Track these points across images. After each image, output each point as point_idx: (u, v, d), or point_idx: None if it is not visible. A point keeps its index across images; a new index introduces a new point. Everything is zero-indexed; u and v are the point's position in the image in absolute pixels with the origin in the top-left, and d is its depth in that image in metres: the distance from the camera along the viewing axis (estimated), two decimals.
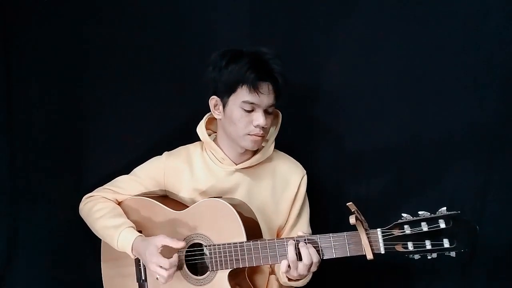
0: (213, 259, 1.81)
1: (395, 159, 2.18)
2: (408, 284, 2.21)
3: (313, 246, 1.69)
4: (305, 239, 1.71)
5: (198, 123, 2.00)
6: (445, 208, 1.54)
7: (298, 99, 2.20)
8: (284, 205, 1.99)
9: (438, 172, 2.14)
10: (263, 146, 1.97)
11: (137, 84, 2.35)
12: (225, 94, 1.85)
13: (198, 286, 1.85)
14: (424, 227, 1.54)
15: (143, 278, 1.94)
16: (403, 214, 1.58)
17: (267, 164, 2.00)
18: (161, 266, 1.75)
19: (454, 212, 1.53)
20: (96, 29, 2.34)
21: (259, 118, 1.83)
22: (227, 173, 1.97)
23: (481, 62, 2.08)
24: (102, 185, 2.07)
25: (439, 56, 2.11)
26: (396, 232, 1.58)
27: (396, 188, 2.19)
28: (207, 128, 2.00)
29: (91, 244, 2.13)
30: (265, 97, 1.83)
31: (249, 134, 1.86)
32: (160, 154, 2.05)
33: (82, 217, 2.04)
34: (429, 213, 1.56)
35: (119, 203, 2.04)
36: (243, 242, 1.77)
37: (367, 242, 1.60)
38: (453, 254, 1.54)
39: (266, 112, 1.85)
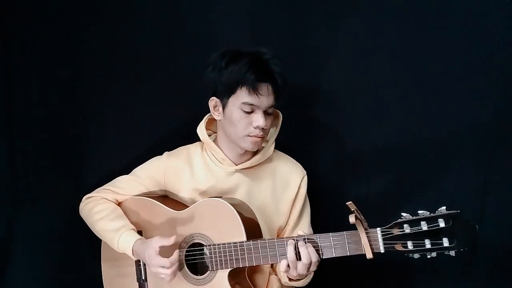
0: (213, 259, 1.81)
1: (395, 159, 2.18)
2: (408, 284, 2.21)
3: (313, 246, 1.69)
4: (304, 239, 1.71)
5: (198, 123, 2.00)
6: (444, 207, 1.55)
7: (298, 99, 2.20)
8: (284, 205, 1.99)
9: (438, 172, 2.14)
10: (263, 147, 1.97)
11: (137, 84, 2.35)
12: (224, 95, 1.85)
13: (198, 286, 1.85)
14: (424, 226, 1.54)
15: (143, 278, 1.95)
16: (402, 214, 1.58)
17: (267, 164, 2.00)
18: (162, 266, 1.76)
19: (454, 211, 1.53)
20: (96, 29, 2.34)
21: (258, 119, 1.83)
22: (227, 174, 1.97)
23: (481, 62, 2.08)
24: (102, 185, 2.07)
25: (439, 56, 2.11)
26: (396, 231, 1.58)
27: (396, 188, 2.19)
28: (207, 129, 2.00)
29: (91, 244, 2.13)
30: (265, 99, 1.83)
31: (249, 136, 1.86)
32: (160, 154, 2.05)
33: (82, 217, 2.04)
34: (428, 212, 1.56)
35: (119, 204, 2.04)
36: (243, 242, 1.77)
37: (367, 241, 1.60)
38: (452, 253, 1.54)
39: (265, 113, 1.85)
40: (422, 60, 2.13)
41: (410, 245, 1.56)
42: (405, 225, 1.57)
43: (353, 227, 1.62)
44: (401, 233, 1.57)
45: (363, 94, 2.20)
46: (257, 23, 2.28)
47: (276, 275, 2.02)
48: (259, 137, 1.86)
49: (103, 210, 1.96)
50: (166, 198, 2.04)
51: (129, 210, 2.01)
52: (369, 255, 1.60)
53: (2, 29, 2.32)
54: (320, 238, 1.70)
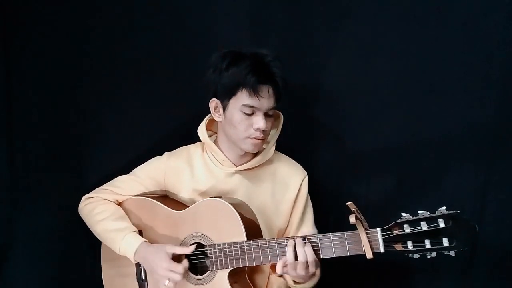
0: (213, 259, 1.82)
1: (395, 159, 2.18)
2: (407, 283, 2.21)
3: (313, 246, 1.70)
4: (304, 239, 1.71)
5: (198, 124, 2.00)
6: (444, 207, 1.55)
7: (298, 99, 2.20)
8: (285, 206, 1.98)
9: (438, 172, 2.14)
10: (263, 148, 1.97)
11: (137, 84, 2.35)
12: (225, 97, 1.85)
13: (198, 286, 1.86)
14: (424, 226, 1.55)
15: (143, 278, 1.95)
16: (402, 214, 1.59)
17: (267, 166, 2.00)
18: (172, 271, 1.78)
19: (454, 211, 1.54)
20: (96, 30, 2.34)
21: (259, 121, 1.83)
22: (227, 175, 1.97)
23: (481, 62, 2.07)
24: (102, 185, 2.07)
25: (439, 56, 2.11)
26: (396, 232, 1.58)
27: (396, 188, 2.19)
28: (208, 129, 2.00)
29: (91, 244, 2.13)
30: (266, 101, 1.82)
31: (249, 138, 1.86)
32: (160, 154, 2.05)
33: (82, 217, 2.04)
34: (428, 213, 1.56)
35: (120, 204, 2.04)
36: (243, 242, 1.77)
37: (367, 242, 1.60)
38: (452, 253, 1.54)
39: (266, 115, 1.85)
40: (422, 60, 2.13)
41: (410, 245, 1.57)
42: (405, 225, 1.57)
43: (353, 227, 1.62)
44: (401, 233, 1.57)
45: (363, 94, 2.20)
46: (257, 23, 2.27)
47: (278, 276, 2.01)
48: (260, 139, 1.86)
49: (104, 211, 1.96)
50: (166, 198, 2.04)
51: (129, 210, 2.01)
52: (369, 255, 1.60)
53: (2, 29, 2.32)
54: (320, 238, 1.70)
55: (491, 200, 2.08)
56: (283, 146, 2.04)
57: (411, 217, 1.58)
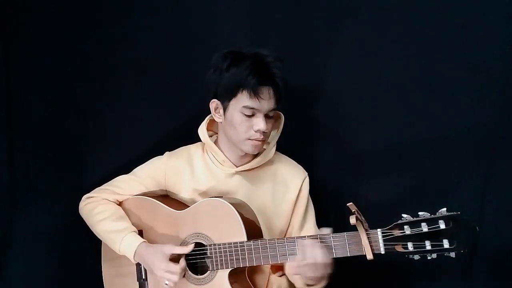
0: (214, 259, 1.82)
1: (395, 159, 2.18)
2: (408, 284, 2.21)
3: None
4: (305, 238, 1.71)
5: (199, 124, 2.00)
6: (445, 208, 1.55)
7: (298, 99, 2.20)
8: (285, 207, 1.98)
9: (438, 172, 2.14)
10: (264, 149, 1.97)
11: (137, 84, 2.35)
12: (225, 98, 1.85)
13: (198, 286, 1.86)
14: (424, 227, 1.55)
15: (143, 277, 1.95)
16: (403, 215, 1.59)
17: (268, 167, 2.00)
18: (169, 271, 1.78)
19: (454, 212, 1.54)
20: (97, 30, 2.35)
21: (259, 123, 1.83)
22: (227, 175, 1.97)
23: (481, 62, 2.07)
24: (102, 185, 2.07)
25: (439, 56, 2.10)
26: (396, 233, 1.58)
27: (396, 188, 2.18)
28: (208, 129, 2.00)
29: (91, 244, 2.14)
30: (266, 102, 1.82)
31: (249, 139, 1.86)
32: (160, 154, 2.06)
33: (82, 217, 2.04)
34: (429, 214, 1.56)
35: (120, 203, 2.04)
36: (243, 242, 1.78)
37: (367, 242, 1.60)
38: (452, 254, 1.54)
39: (266, 116, 1.85)
40: (422, 60, 2.13)
41: (410, 246, 1.57)
42: (405, 226, 1.57)
43: (353, 228, 1.62)
44: (401, 234, 1.57)
45: (363, 94, 2.19)
46: (257, 23, 2.27)
47: (279, 276, 2.01)
48: (260, 141, 1.86)
49: (105, 211, 1.97)
50: (166, 197, 2.04)
51: (129, 209, 2.01)
52: (370, 256, 1.61)
53: (2, 29, 2.32)
54: (321, 239, 1.70)
55: (491, 200, 2.08)
56: (283, 146, 2.04)
57: (411, 218, 1.57)
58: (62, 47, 2.34)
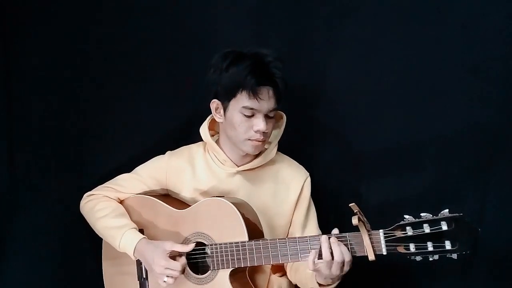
0: (215, 258, 1.82)
1: (395, 159, 2.18)
2: (409, 285, 2.22)
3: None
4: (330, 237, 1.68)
5: (200, 123, 2.00)
6: (447, 210, 1.54)
7: (299, 99, 2.20)
8: (286, 207, 1.98)
9: (438, 172, 2.14)
10: (265, 149, 1.97)
11: (138, 84, 2.35)
12: (225, 98, 1.84)
13: (199, 285, 1.86)
14: (426, 228, 1.54)
15: (144, 277, 1.94)
16: (405, 216, 1.58)
17: (269, 167, 2.00)
18: (169, 268, 1.77)
19: (456, 214, 1.53)
20: (97, 29, 2.34)
21: (259, 123, 1.82)
22: (229, 175, 1.97)
23: (481, 62, 2.07)
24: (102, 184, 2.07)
25: (439, 56, 2.11)
26: (398, 234, 1.58)
27: (396, 188, 2.18)
28: (210, 129, 2.00)
29: (91, 243, 2.13)
30: (265, 103, 1.81)
31: (249, 139, 1.85)
32: (161, 153, 2.06)
33: (83, 214, 2.04)
34: (431, 215, 1.56)
35: (121, 202, 2.04)
36: (244, 242, 1.77)
37: (369, 243, 1.60)
38: (454, 256, 1.54)
39: (266, 116, 1.84)
40: (422, 60, 2.13)
41: (412, 247, 1.56)
42: (407, 227, 1.56)
43: (355, 229, 1.62)
44: (403, 235, 1.57)
45: (363, 94, 2.20)
46: (257, 23, 2.27)
47: (279, 276, 2.02)
48: (260, 141, 1.86)
49: (105, 208, 1.96)
50: (168, 196, 2.04)
51: (131, 208, 2.01)
52: (371, 257, 1.60)
53: (2, 29, 2.31)
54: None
55: (491, 200, 2.08)
56: (283, 146, 2.04)
57: (413, 219, 1.57)
58: (62, 47, 2.34)
